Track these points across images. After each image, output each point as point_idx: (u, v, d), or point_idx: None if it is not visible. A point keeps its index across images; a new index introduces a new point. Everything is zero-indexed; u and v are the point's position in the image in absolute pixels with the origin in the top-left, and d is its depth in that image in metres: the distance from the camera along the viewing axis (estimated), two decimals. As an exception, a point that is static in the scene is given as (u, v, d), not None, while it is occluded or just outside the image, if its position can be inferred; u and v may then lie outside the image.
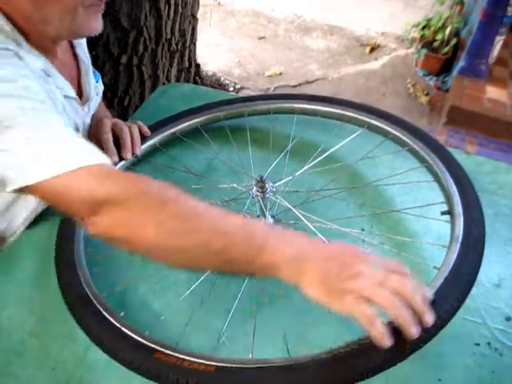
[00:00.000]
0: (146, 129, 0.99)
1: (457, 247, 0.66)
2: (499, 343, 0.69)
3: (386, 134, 0.93)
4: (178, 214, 0.55)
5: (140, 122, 1.00)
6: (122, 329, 0.62)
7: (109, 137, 0.91)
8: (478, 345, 0.69)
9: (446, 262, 0.65)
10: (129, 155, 0.93)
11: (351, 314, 0.50)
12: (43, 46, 0.76)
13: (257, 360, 0.58)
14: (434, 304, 0.53)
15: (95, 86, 0.96)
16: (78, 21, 0.73)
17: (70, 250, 0.75)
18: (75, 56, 0.90)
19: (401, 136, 0.90)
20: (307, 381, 0.53)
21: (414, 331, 0.49)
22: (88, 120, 0.95)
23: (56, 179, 0.57)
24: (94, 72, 0.96)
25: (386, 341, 0.49)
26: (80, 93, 0.90)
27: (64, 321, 0.68)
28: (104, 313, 0.64)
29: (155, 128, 1.02)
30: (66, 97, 0.81)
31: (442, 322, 0.57)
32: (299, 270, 0.52)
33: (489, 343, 0.69)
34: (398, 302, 0.49)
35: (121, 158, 0.92)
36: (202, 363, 0.56)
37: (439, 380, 0.65)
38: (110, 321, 0.63)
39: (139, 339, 0.60)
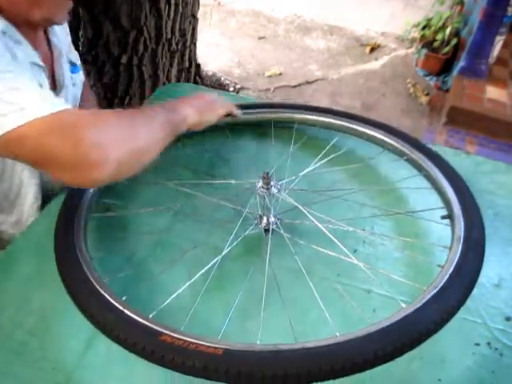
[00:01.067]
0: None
1: (458, 248, 0.67)
2: (499, 343, 0.69)
3: (384, 144, 0.96)
4: (140, 126, 0.69)
5: None
6: (126, 311, 0.61)
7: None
8: (478, 345, 0.69)
9: (449, 260, 0.65)
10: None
11: (220, 115, 0.89)
12: (25, 32, 0.79)
13: (264, 345, 0.57)
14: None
15: (71, 77, 0.98)
16: (63, 9, 0.80)
17: (70, 236, 0.74)
18: (50, 45, 0.92)
19: (399, 146, 0.93)
20: (314, 365, 0.52)
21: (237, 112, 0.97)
22: None
23: (46, 119, 0.59)
24: (74, 65, 0.99)
25: (237, 112, 0.96)
26: (54, 82, 0.92)
27: (64, 321, 0.68)
28: (107, 296, 0.63)
29: None
30: (32, 63, 0.82)
31: (448, 316, 0.58)
32: (195, 115, 0.82)
33: (489, 343, 0.69)
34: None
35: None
36: (210, 346, 0.55)
37: (439, 380, 0.65)
38: (113, 304, 0.62)
39: (144, 322, 0.59)
